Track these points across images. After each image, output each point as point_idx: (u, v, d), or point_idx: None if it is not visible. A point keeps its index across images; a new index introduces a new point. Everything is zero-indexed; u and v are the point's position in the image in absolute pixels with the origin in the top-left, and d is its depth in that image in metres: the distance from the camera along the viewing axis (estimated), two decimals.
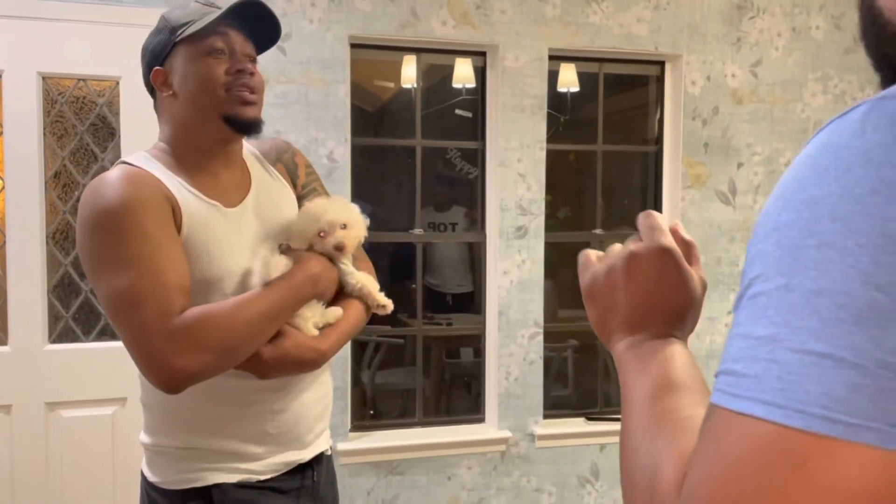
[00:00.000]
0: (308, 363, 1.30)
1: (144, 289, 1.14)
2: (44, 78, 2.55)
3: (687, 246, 0.65)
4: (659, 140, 3.27)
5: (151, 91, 1.36)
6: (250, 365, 1.23)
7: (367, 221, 1.43)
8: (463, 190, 3.18)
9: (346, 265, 1.38)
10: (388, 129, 3.28)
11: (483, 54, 3.04)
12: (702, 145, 3.17)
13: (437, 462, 2.96)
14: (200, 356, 1.14)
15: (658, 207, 3.28)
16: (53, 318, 2.59)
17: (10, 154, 2.52)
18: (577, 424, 3.16)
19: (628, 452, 0.52)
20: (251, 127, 1.31)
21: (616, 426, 3.14)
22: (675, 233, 0.65)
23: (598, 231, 3.24)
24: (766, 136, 3.23)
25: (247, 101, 1.29)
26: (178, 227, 1.24)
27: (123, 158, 1.31)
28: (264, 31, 1.35)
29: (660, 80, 3.24)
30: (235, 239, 1.30)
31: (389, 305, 1.44)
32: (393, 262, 3.32)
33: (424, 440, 2.96)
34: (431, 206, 3.28)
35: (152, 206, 1.21)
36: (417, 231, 3.05)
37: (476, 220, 3.14)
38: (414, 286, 3.08)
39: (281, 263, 1.29)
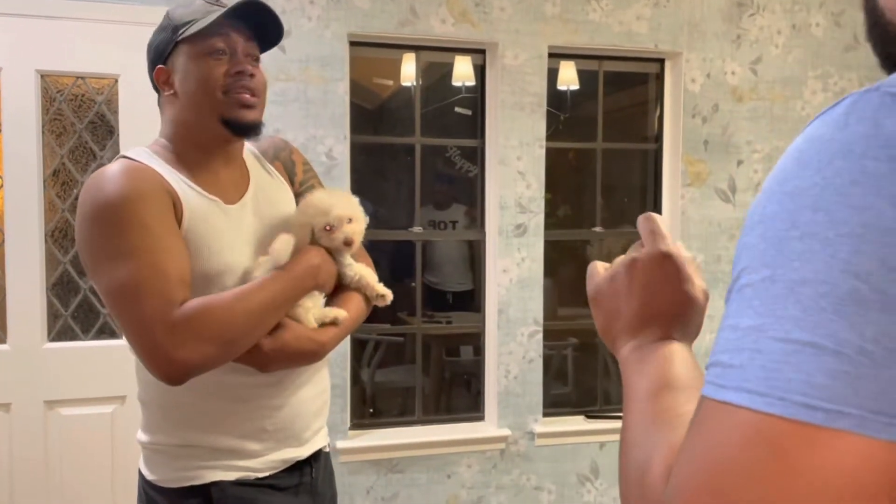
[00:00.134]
0: (308, 355, 1.30)
1: (145, 281, 1.14)
2: (42, 76, 2.55)
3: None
4: (659, 138, 3.26)
5: (156, 88, 1.36)
6: (250, 357, 1.23)
7: (367, 218, 1.43)
8: (463, 188, 3.18)
9: (344, 258, 1.38)
10: (387, 126, 3.27)
11: (482, 52, 3.03)
12: (702, 143, 3.17)
13: (437, 460, 2.96)
14: (201, 347, 1.13)
15: (658, 205, 3.27)
16: (52, 316, 2.59)
17: (8, 152, 2.51)
18: (577, 422, 3.16)
19: (625, 448, 0.53)
20: (250, 130, 1.31)
21: (616, 424, 3.14)
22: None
23: (597, 229, 3.24)
24: (766, 134, 3.23)
25: (246, 104, 1.29)
26: (179, 222, 1.24)
27: (124, 153, 1.30)
28: (267, 29, 1.34)
29: (659, 77, 3.24)
30: (235, 235, 1.31)
31: (389, 295, 1.43)
32: (393, 261, 3.31)
33: (424, 438, 2.95)
34: (431, 204, 3.27)
35: (153, 199, 1.21)
36: (417, 229, 3.05)
37: (476, 218, 3.13)
38: (413, 284, 3.08)
39: (287, 243, 1.28)
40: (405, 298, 3.14)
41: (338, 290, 1.39)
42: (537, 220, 3.01)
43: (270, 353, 1.23)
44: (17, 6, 2.49)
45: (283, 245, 1.28)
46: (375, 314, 3.08)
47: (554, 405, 3.21)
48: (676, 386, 0.56)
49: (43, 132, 2.56)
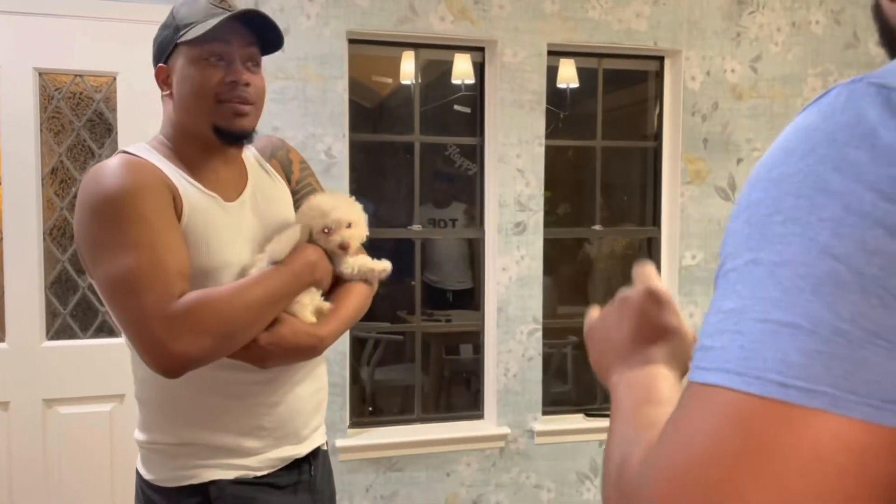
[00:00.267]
0: (306, 349, 1.29)
1: (143, 274, 1.14)
2: (40, 73, 2.55)
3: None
4: (658, 136, 3.26)
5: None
6: (248, 352, 1.22)
7: (366, 218, 1.43)
8: (462, 186, 3.18)
9: (343, 259, 1.38)
10: (386, 125, 3.27)
11: (481, 50, 3.03)
12: (701, 141, 3.16)
13: (436, 458, 2.96)
14: (199, 340, 1.13)
15: (657, 203, 3.27)
16: (51, 314, 2.59)
17: (6, 150, 2.51)
18: (576, 421, 3.16)
19: (607, 453, 0.54)
20: (240, 138, 1.31)
21: None
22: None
23: (597, 227, 3.24)
24: (766, 132, 3.22)
25: (239, 113, 1.28)
26: (178, 217, 1.24)
27: (124, 148, 1.31)
28: (269, 33, 1.34)
29: (659, 75, 3.23)
30: (234, 232, 1.31)
31: (387, 265, 1.43)
32: (392, 259, 3.30)
33: (423, 436, 2.95)
34: (431, 202, 3.27)
35: (152, 192, 1.21)
36: (416, 227, 3.05)
37: (475, 216, 3.13)
38: (413, 283, 3.07)
39: (289, 239, 1.29)
40: (405, 297, 3.13)
41: (337, 283, 1.39)
42: (536, 218, 3.01)
43: (267, 348, 1.23)
44: (16, 4, 2.49)
45: (287, 237, 1.29)
46: (375, 313, 3.06)
47: (553, 403, 3.21)
48: (660, 400, 0.57)
49: (41, 130, 2.55)
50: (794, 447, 0.36)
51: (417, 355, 3.11)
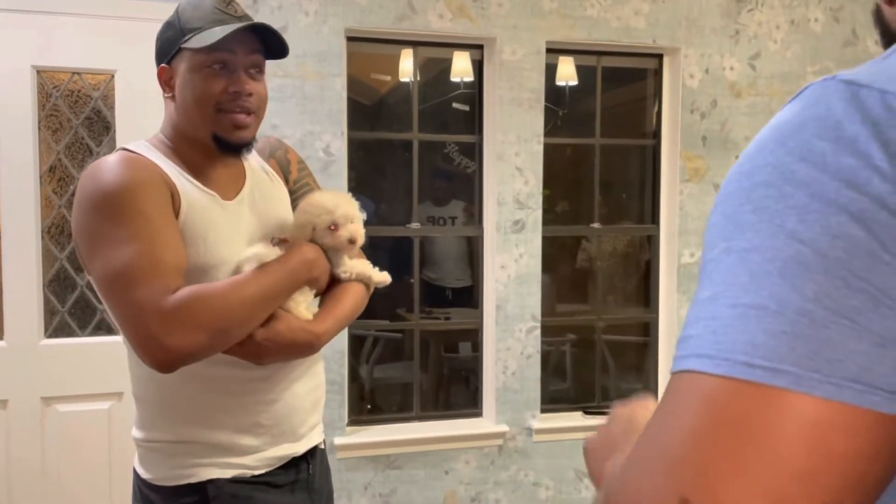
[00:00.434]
0: (303, 346, 1.29)
1: (139, 268, 1.14)
2: (38, 71, 2.54)
3: None
4: (657, 133, 3.26)
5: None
6: (244, 349, 1.22)
7: (364, 216, 1.43)
8: (462, 184, 3.17)
9: (339, 258, 1.38)
10: (385, 122, 3.26)
11: (480, 47, 3.02)
12: (700, 139, 3.16)
13: (435, 456, 2.96)
14: (193, 335, 1.13)
15: (656, 201, 3.27)
16: (49, 312, 2.59)
17: (4, 148, 2.50)
18: (575, 418, 3.16)
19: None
20: (239, 149, 1.32)
21: None
22: None
23: (595, 225, 3.23)
24: None
25: (239, 126, 1.29)
26: (176, 213, 1.24)
27: (123, 145, 1.31)
28: (273, 42, 1.34)
29: (658, 73, 3.23)
30: (231, 230, 1.31)
31: (387, 278, 1.44)
32: (391, 257, 3.30)
33: (422, 434, 2.95)
34: (430, 200, 3.27)
35: (151, 188, 1.21)
36: (414, 225, 3.05)
37: (474, 214, 3.13)
38: (412, 281, 3.07)
39: (274, 255, 1.29)
40: (404, 295, 3.13)
41: (334, 282, 1.39)
42: (535, 216, 3.01)
43: (263, 344, 1.23)
44: (13, 1, 2.48)
45: (271, 252, 1.30)
46: (374, 311, 3.05)
47: (552, 401, 3.21)
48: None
49: (39, 128, 2.55)
50: (759, 425, 0.37)
51: (416, 353, 3.11)
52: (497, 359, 3.00)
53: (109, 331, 2.61)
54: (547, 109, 3.03)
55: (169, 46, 1.30)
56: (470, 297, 3.25)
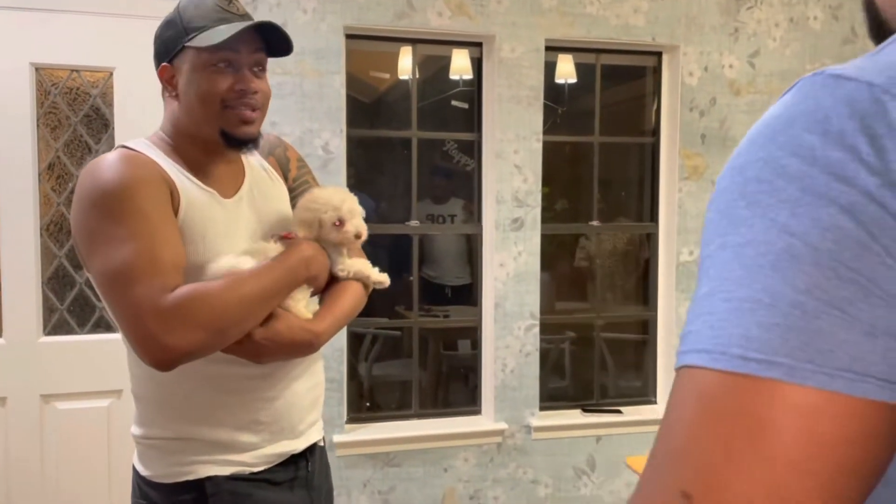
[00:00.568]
0: (302, 345, 1.29)
1: (139, 267, 1.14)
2: (37, 68, 2.54)
3: None
4: (656, 131, 3.26)
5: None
6: (243, 348, 1.22)
7: (364, 213, 1.43)
8: (461, 182, 3.17)
9: (338, 256, 1.38)
10: (384, 120, 3.26)
11: (479, 45, 3.02)
12: (699, 136, 3.16)
13: (434, 454, 2.96)
14: (191, 334, 1.13)
15: (655, 199, 3.27)
16: (48, 310, 2.59)
17: (2, 145, 2.50)
18: (574, 416, 3.16)
19: None
20: (246, 144, 1.32)
21: (612, 418, 3.15)
22: None
23: (594, 223, 3.24)
24: None
25: (245, 120, 1.29)
26: (176, 211, 1.24)
27: (122, 143, 1.31)
28: (277, 40, 1.34)
29: (657, 71, 3.23)
30: (231, 227, 1.31)
31: (385, 280, 1.45)
32: (390, 255, 3.31)
33: (421, 432, 2.96)
34: (429, 198, 3.27)
35: (150, 186, 1.21)
36: (414, 223, 3.04)
37: (474, 212, 3.13)
38: (411, 278, 3.07)
39: (274, 251, 1.29)
40: (403, 292, 3.13)
41: (331, 284, 1.39)
42: (534, 213, 3.01)
43: (262, 343, 1.23)
44: None
45: (274, 251, 1.30)
46: (373, 308, 3.05)
47: (551, 399, 3.22)
48: None
49: (38, 125, 2.55)
50: (754, 417, 0.37)
51: (415, 351, 3.11)
52: (496, 356, 3.01)
53: (108, 328, 2.61)
54: (546, 107, 3.03)
55: (171, 45, 1.30)
56: (469, 294, 3.25)
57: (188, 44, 1.27)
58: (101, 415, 2.60)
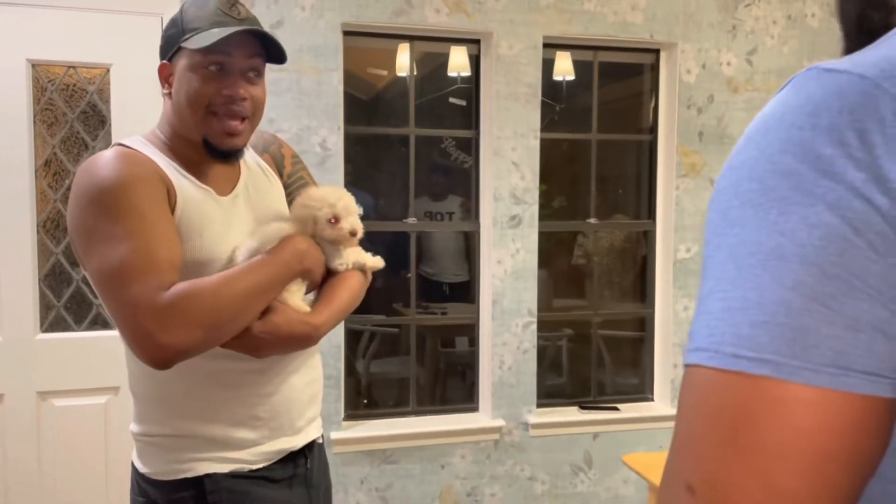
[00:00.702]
0: (301, 338, 1.29)
1: (135, 265, 1.14)
2: (33, 65, 2.53)
3: None
4: (654, 129, 3.26)
5: None
6: (241, 342, 1.22)
7: (361, 211, 1.43)
8: (459, 179, 3.17)
9: (334, 250, 1.38)
10: (381, 117, 3.26)
11: (477, 42, 3.02)
12: (696, 134, 3.16)
13: (431, 451, 2.97)
14: (187, 331, 1.12)
15: (652, 196, 3.27)
16: (45, 307, 2.58)
17: None
18: (571, 413, 3.16)
19: None
20: (227, 156, 1.32)
21: (609, 415, 3.15)
22: None
23: (592, 220, 3.24)
24: None
25: (230, 132, 1.29)
26: (172, 209, 1.24)
27: (119, 141, 1.31)
28: (273, 46, 1.33)
29: (654, 68, 3.23)
30: (227, 225, 1.31)
31: (380, 262, 1.45)
32: (388, 252, 3.30)
33: (418, 429, 2.96)
34: (427, 195, 3.26)
35: (147, 184, 1.21)
36: (411, 220, 3.04)
37: (471, 209, 3.13)
38: (409, 275, 3.07)
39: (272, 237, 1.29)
40: (400, 289, 3.13)
41: (330, 274, 1.39)
42: (532, 211, 3.01)
43: (261, 337, 1.22)
44: None
45: (276, 233, 1.29)
46: (370, 305, 3.04)
47: (548, 396, 3.22)
48: None
49: (34, 122, 2.54)
50: (747, 412, 0.39)
51: (412, 348, 3.11)
52: (493, 354, 3.01)
53: (105, 325, 2.61)
54: (544, 104, 3.03)
55: (170, 44, 1.30)
56: (466, 292, 3.25)
57: (183, 44, 1.26)
58: (98, 412, 2.60)
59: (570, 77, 3.23)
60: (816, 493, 0.38)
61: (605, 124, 3.21)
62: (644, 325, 3.35)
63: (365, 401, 3.36)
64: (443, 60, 3.11)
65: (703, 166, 3.18)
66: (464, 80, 3.09)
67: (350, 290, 1.38)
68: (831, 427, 0.38)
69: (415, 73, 3.01)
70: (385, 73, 3.23)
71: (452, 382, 3.52)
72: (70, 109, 2.58)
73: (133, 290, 1.13)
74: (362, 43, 2.98)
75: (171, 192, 1.25)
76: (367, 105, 3.22)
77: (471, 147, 3.09)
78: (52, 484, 2.57)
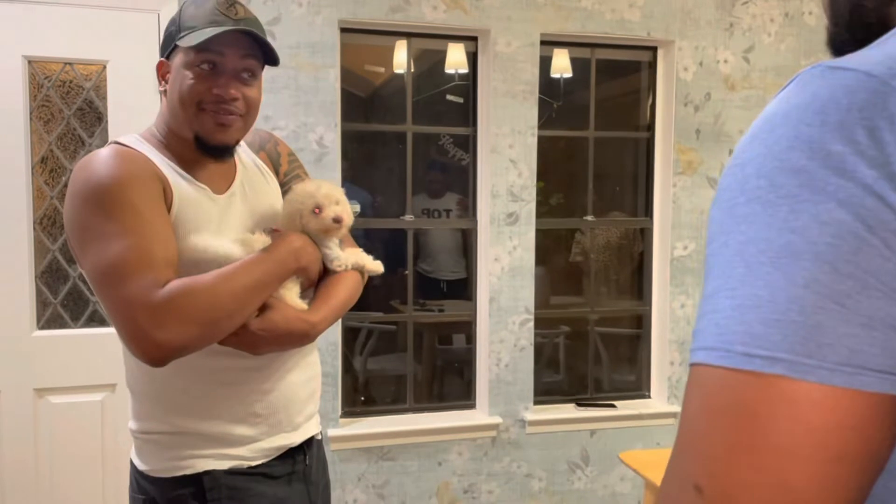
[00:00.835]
0: (299, 335, 1.29)
1: (130, 262, 1.14)
2: (30, 61, 2.52)
3: None
4: (651, 126, 3.26)
5: None
6: (239, 340, 1.22)
7: (357, 208, 1.43)
8: (456, 176, 3.17)
9: (331, 249, 1.38)
10: (379, 114, 3.26)
11: (474, 39, 3.01)
12: (693, 131, 3.17)
13: (428, 448, 2.97)
14: (182, 329, 1.12)
15: (650, 194, 3.28)
16: (41, 304, 2.58)
17: None
18: (568, 410, 3.17)
19: None
20: (218, 151, 1.32)
21: (606, 412, 3.16)
22: None
23: (589, 218, 3.24)
24: None
25: (221, 124, 1.29)
26: (168, 207, 1.25)
27: (115, 139, 1.31)
28: (267, 47, 1.33)
29: (652, 65, 3.23)
30: (224, 223, 1.32)
31: (380, 267, 1.45)
32: (386, 249, 3.31)
33: (415, 426, 2.96)
34: (425, 192, 3.26)
35: (142, 182, 1.21)
36: (408, 217, 3.04)
37: (469, 206, 3.13)
38: (406, 273, 3.07)
39: (261, 243, 1.29)
40: (398, 287, 3.13)
41: (328, 272, 1.39)
42: (529, 208, 3.01)
43: (259, 334, 1.22)
44: None
45: (260, 243, 1.29)
46: (368, 302, 3.05)
47: (545, 393, 3.22)
48: None
49: (30, 119, 2.53)
50: (759, 412, 0.38)
51: (410, 345, 3.11)
52: (490, 351, 3.01)
53: (102, 322, 2.60)
54: (541, 102, 3.03)
55: (167, 42, 1.31)
56: (464, 289, 3.25)
57: (178, 42, 1.27)
58: (94, 409, 2.60)
59: (568, 74, 3.24)
60: (827, 491, 0.37)
61: (602, 122, 3.22)
62: (641, 323, 3.36)
63: (362, 398, 3.36)
64: (440, 57, 3.10)
65: (700, 164, 3.18)
66: (461, 77, 3.09)
67: (347, 288, 1.38)
68: (844, 425, 0.37)
69: (412, 70, 3.01)
70: (382, 70, 3.23)
71: (450, 380, 3.52)
72: (66, 106, 2.57)
73: (129, 288, 1.13)
74: (359, 40, 2.97)
75: (168, 189, 1.25)
76: (364, 102, 3.22)
77: (468, 144, 3.09)
78: (48, 481, 2.56)
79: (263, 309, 1.24)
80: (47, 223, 2.58)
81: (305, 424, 1.41)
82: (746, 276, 0.40)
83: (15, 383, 2.53)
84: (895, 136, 0.38)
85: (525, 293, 3.02)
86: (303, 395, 1.40)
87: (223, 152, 1.33)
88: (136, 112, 2.50)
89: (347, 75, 2.94)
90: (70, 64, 2.57)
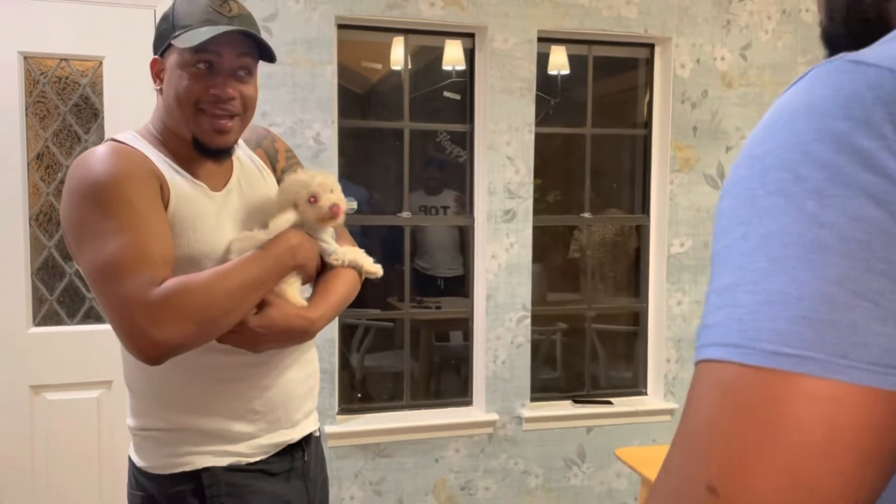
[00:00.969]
0: (298, 332, 1.29)
1: (127, 260, 1.14)
2: (25, 57, 2.51)
3: None
4: (648, 123, 3.26)
5: None
6: (238, 337, 1.22)
7: (354, 205, 1.42)
8: (454, 173, 3.17)
9: (329, 243, 1.37)
10: (375, 111, 3.25)
11: (472, 36, 3.01)
12: (691, 129, 3.17)
13: (425, 444, 2.97)
14: (179, 326, 1.12)
15: (647, 191, 3.28)
16: (37, 300, 2.57)
17: None
18: (564, 407, 3.18)
19: None
20: (217, 154, 1.32)
21: (603, 409, 3.16)
22: None
23: (586, 215, 3.24)
24: (755, 120, 3.23)
25: (219, 130, 1.28)
26: (165, 205, 1.24)
27: (112, 136, 1.31)
28: (263, 45, 1.33)
29: (649, 62, 3.23)
30: (220, 220, 1.31)
31: (379, 270, 1.45)
32: (383, 246, 3.30)
33: (412, 423, 2.96)
34: (423, 189, 3.26)
35: (140, 179, 1.21)
36: (405, 214, 3.04)
37: (466, 203, 3.13)
38: (403, 270, 3.07)
39: (259, 239, 1.28)
40: (395, 284, 3.13)
41: (326, 268, 1.38)
42: (526, 205, 3.01)
43: (258, 331, 1.22)
44: None
45: (284, 222, 1.28)
46: (365, 299, 3.04)
47: (542, 390, 3.23)
48: None
49: (26, 115, 2.52)
50: (788, 413, 0.37)
51: (407, 342, 3.11)
52: (487, 348, 3.01)
53: (98, 319, 2.60)
54: (538, 99, 3.03)
55: (161, 40, 1.30)
56: (461, 286, 3.25)
57: (173, 41, 1.26)
58: (91, 406, 2.59)
59: (565, 71, 3.23)
60: (850, 492, 0.37)
61: (599, 119, 3.22)
62: (638, 320, 3.37)
63: (359, 395, 3.36)
64: (437, 54, 3.10)
65: (697, 161, 3.19)
66: (458, 73, 3.09)
67: (346, 285, 1.38)
68: (872, 426, 0.37)
69: (409, 66, 3.01)
70: (379, 66, 3.22)
71: (446, 376, 3.52)
72: (62, 102, 2.57)
73: (125, 285, 1.12)
74: (356, 36, 2.97)
75: (164, 187, 1.25)
76: (361, 99, 3.21)
77: (465, 141, 3.09)
78: (44, 478, 2.56)
79: (262, 306, 1.24)
80: (43, 220, 2.57)
81: (304, 421, 1.41)
82: (771, 270, 0.38)
83: (11, 380, 2.52)
84: None
85: (522, 290, 3.03)
86: (301, 392, 1.40)
87: (221, 154, 1.33)
88: (132, 108, 2.50)
89: (344, 72, 2.93)
90: (66, 60, 2.56)
